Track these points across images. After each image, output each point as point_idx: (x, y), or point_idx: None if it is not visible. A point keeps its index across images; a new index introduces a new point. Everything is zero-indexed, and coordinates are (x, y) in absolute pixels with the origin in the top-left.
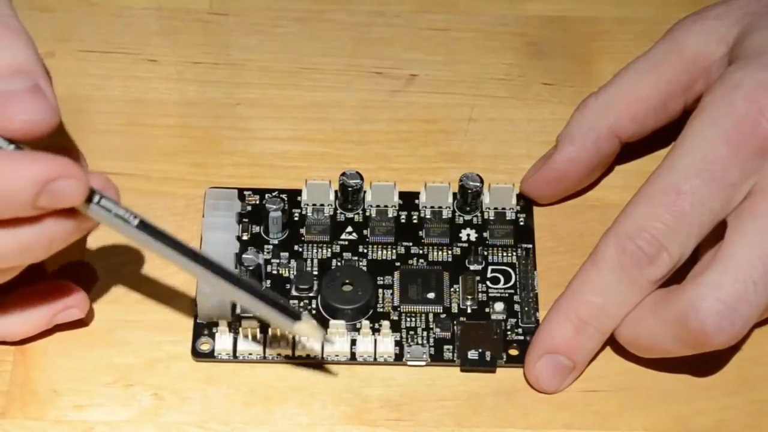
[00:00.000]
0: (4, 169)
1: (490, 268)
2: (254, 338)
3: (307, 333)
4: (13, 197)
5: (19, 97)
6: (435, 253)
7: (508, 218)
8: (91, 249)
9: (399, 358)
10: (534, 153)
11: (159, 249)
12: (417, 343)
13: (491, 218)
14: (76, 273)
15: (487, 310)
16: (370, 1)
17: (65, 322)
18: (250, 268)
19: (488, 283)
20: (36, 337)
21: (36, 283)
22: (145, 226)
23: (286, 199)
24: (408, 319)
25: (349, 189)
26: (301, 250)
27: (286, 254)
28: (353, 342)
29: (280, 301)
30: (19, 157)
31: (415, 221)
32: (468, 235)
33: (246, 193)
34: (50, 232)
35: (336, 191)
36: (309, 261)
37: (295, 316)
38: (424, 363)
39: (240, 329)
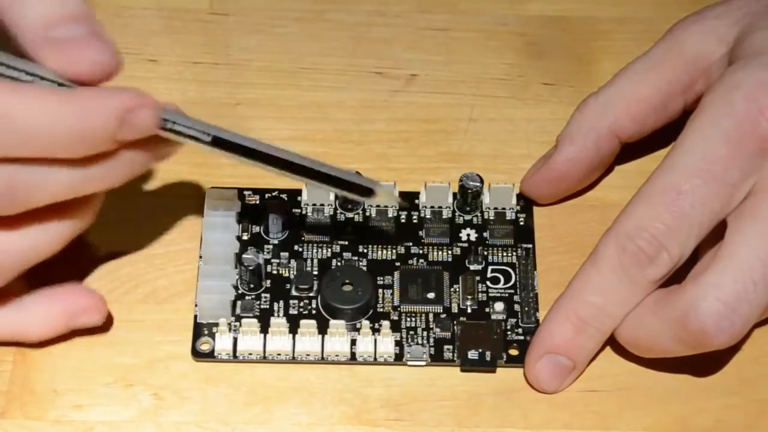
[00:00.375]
0: (83, 107)
1: (490, 268)
2: (254, 338)
3: (385, 202)
4: (96, 132)
5: (83, 43)
6: (435, 253)
7: (508, 218)
8: (91, 249)
9: (399, 358)
10: (534, 153)
11: (234, 159)
12: (417, 343)
13: (491, 218)
14: (75, 273)
15: (487, 310)
16: (370, 1)
17: (82, 328)
18: (250, 268)
19: (488, 283)
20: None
21: (52, 284)
22: (217, 142)
23: (286, 199)
24: (408, 319)
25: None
26: (301, 250)
27: (286, 254)
28: (353, 342)
29: (353, 181)
30: (92, 94)
31: (415, 221)
32: (468, 235)
33: (246, 193)
34: (131, 160)
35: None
36: (309, 261)
37: (369, 192)
38: (424, 363)
39: (240, 329)
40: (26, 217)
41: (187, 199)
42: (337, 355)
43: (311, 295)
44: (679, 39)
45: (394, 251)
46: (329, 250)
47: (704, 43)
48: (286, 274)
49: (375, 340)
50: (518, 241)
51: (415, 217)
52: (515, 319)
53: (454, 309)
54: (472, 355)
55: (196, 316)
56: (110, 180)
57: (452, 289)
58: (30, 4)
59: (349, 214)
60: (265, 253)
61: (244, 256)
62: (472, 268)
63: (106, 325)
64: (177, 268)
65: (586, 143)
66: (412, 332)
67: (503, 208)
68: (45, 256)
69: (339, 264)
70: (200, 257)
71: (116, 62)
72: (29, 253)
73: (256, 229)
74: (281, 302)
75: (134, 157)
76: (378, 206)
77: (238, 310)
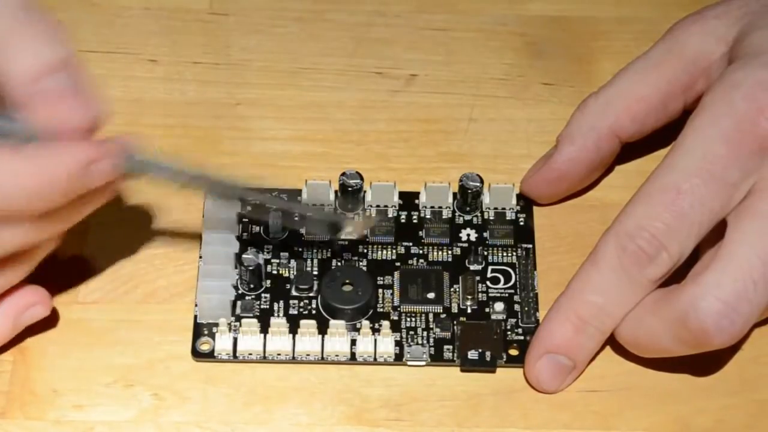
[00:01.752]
0: (40, 167)
1: (490, 268)
2: (254, 338)
3: (358, 231)
4: (55, 189)
5: (71, 95)
6: (435, 253)
7: (508, 218)
8: (91, 249)
9: (399, 358)
10: (534, 153)
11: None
12: (417, 343)
13: (491, 218)
14: (75, 273)
15: (487, 310)
16: (370, 1)
17: (33, 322)
18: (250, 268)
19: (488, 283)
20: (35, 337)
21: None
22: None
23: (286, 199)
24: (408, 319)
25: (349, 189)
26: (301, 250)
27: (286, 254)
28: (353, 342)
29: (323, 219)
30: (49, 152)
31: (415, 221)
32: (468, 235)
33: None
34: (93, 201)
35: (336, 191)
36: (309, 261)
37: (337, 229)
38: (424, 363)
39: (240, 329)
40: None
41: (187, 199)
42: (337, 355)
43: (311, 295)
44: (679, 39)
45: (394, 251)
46: (329, 250)
47: (704, 43)
48: (286, 274)
49: (375, 340)
50: (518, 241)
51: (415, 217)
52: (515, 319)
53: (454, 309)
54: (472, 355)
55: (196, 316)
56: (73, 220)
57: (452, 289)
58: (14, 56)
59: (350, 214)
60: (265, 253)
61: (244, 256)
62: (472, 268)
63: (107, 325)
64: (177, 268)
65: (586, 143)
66: (412, 332)
67: (503, 208)
68: (9, 286)
69: (339, 264)
70: (200, 257)
71: (102, 113)
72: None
73: (256, 229)
74: (281, 302)
75: (97, 198)
76: (375, 211)
77: (238, 310)
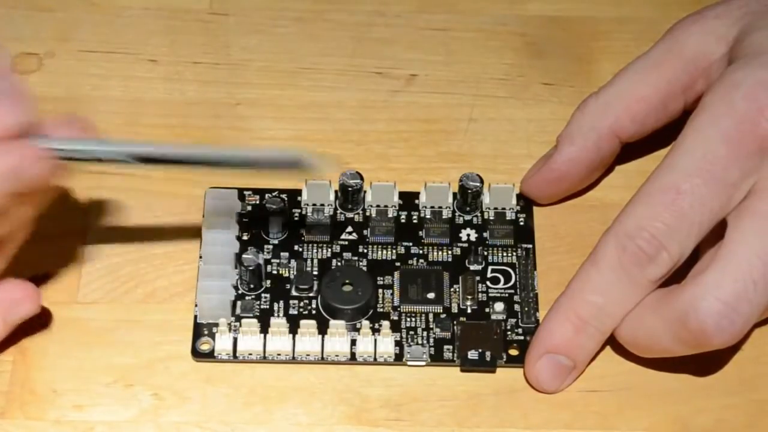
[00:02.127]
0: None
1: (490, 268)
2: (254, 338)
3: (317, 170)
4: None
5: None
6: (435, 253)
7: (508, 218)
8: (91, 249)
9: (399, 358)
10: (534, 153)
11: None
12: (417, 343)
13: (491, 218)
14: (75, 273)
15: (487, 310)
16: (370, 1)
17: (23, 319)
18: (250, 268)
19: (488, 283)
20: (35, 337)
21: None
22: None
23: (286, 199)
24: (408, 319)
25: (349, 189)
26: (301, 250)
27: (286, 254)
28: (353, 342)
29: (277, 158)
30: None
31: (415, 221)
32: (468, 235)
33: (246, 193)
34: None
35: (336, 191)
36: (309, 261)
37: (296, 164)
38: (424, 363)
39: (240, 329)
40: None
41: (187, 199)
42: (337, 355)
43: (311, 295)
44: (679, 39)
45: (394, 251)
46: (329, 250)
47: (704, 43)
48: (286, 274)
49: (375, 340)
50: (518, 241)
51: (415, 217)
52: (515, 319)
53: (454, 309)
54: (472, 355)
55: (196, 316)
56: (28, 212)
57: (452, 289)
58: None
59: (349, 214)
60: (265, 253)
61: (244, 256)
62: (472, 268)
63: (107, 325)
64: (177, 268)
65: (586, 143)
66: (412, 332)
67: (503, 208)
68: None
69: (339, 264)
70: (200, 257)
71: (29, 119)
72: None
73: (256, 229)
74: (281, 302)
75: (40, 192)
76: (375, 211)
77: (238, 310)
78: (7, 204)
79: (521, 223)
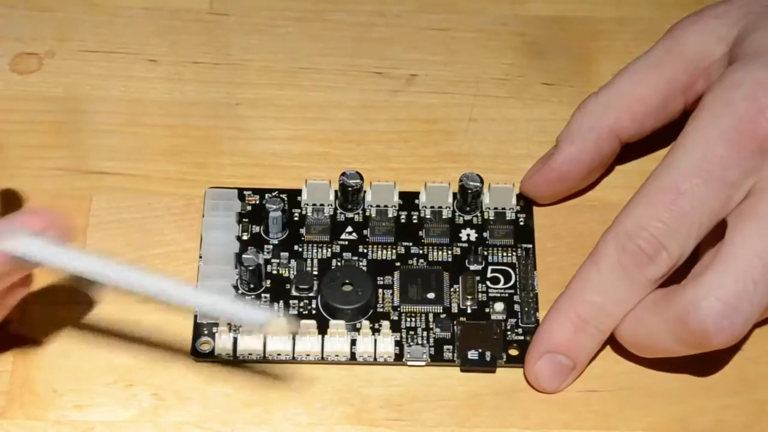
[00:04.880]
0: None
1: (490, 268)
2: (254, 338)
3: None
4: None
5: None
6: (435, 253)
7: (508, 218)
8: (90, 249)
9: (399, 358)
10: (534, 153)
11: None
12: (417, 343)
13: (491, 218)
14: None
15: (487, 310)
16: (370, 1)
17: (16, 302)
18: (250, 268)
19: (488, 283)
20: (35, 337)
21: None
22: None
23: (286, 199)
24: (408, 319)
25: (349, 189)
26: (301, 250)
27: (286, 254)
28: (353, 342)
29: (240, 315)
30: None
31: (415, 221)
32: (468, 235)
33: (246, 193)
34: None
35: (336, 191)
36: (309, 261)
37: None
38: (424, 363)
39: (240, 329)
40: None
41: (187, 199)
42: (337, 355)
43: (311, 295)
44: (679, 39)
45: (394, 251)
46: (329, 250)
47: (704, 43)
48: (286, 274)
49: (375, 340)
50: (518, 241)
51: (415, 217)
52: (515, 319)
53: (454, 309)
54: (472, 355)
55: (196, 316)
56: None
57: (452, 289)
58: None
59: (349, 214)
60: (265, 253)
61: (244, 256)
62: (472, 268)
63: (107, 325)
64: (177, 268)
65: (586, 143)
66: (412, 332)
67: (503, 208)
68: None
69: (339, 264)
70: (200, 257)
71: None
72: None
73: (256, 229)
74: (281, 302)
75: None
76: (375, 211)
77: None
78: None
79: (521, 223)
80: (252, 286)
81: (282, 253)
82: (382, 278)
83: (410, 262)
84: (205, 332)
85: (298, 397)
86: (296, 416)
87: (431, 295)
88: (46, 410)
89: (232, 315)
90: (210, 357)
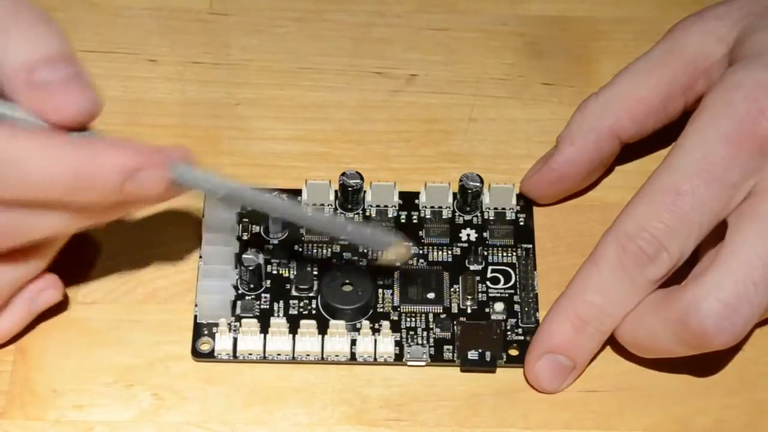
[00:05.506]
0: (90, 159)
1: (490, 268)
2: (254, 338)
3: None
4: (99, 188)
5: (64, 88)
6: (435, 253)
7: (508, 218)
8: (91, 249)
9: (399, 358)
10: (534, 153)
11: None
12: (417, 343)
13: (491, 218)
14: (75, 273)
15: (487, 310)
16: (370, 1)
17: (47, 307)
18: (250, 268)
19: (488, 283)
20: (35, 337)
21: None
22: (230, 197)
23: (286, 199)
24: (408, 319)
25: (349, 189)
26: (301, 250)
27: (286, 254)
28: (353, 342)
29: (368, 239)
30: (102, 146)
31: (415, 221)
32: (468, 235)
33: None
34: (129, 207)
35: (336, 191)
36: (309, 261)
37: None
38: (424, 363)
39: (240, 329)
40: (15, 252)
41: (187, 199)
42: (337, 355)
43: (311, 295)
44: (680, 39)
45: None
46: (329, 250)
47: (704, 44)
48: (286, 274)
49: (375, 340)
50: (518, 241)
51: (415, 217)
52: (515, 319)
53: (454, 309)
54: (472, 355)
55: (196, 316)
56: (106, 220)
57: (452, 289)
58: (12, 45)
59: (349, 214)
60: (265, 253)
61: (244, 256)
62: (472, 268)
63: (107, 325)
64: (177, 268)
65: (586, 144)
66: (412, 332)
67: (503, 208)
68: (27, 280)
69: (339, 264)
70: (200, 257)
71: (98, 106)
72: (14, 283)
73: (256, 229)
74: (281, 302)
75: (139, 203)
76: (375, 211)
77: (238, 310)
78: (105, 206)
79: (521, 223)
80: (252, 286)
81: (282, 253)
82: (382, 278)
83: (410, 262)
84: (205, 332)
85: (298, 397)
86: (296, 416)
87: (431, 295)
88: (46, 410)
89: (362, 238)
90: (210, 357)
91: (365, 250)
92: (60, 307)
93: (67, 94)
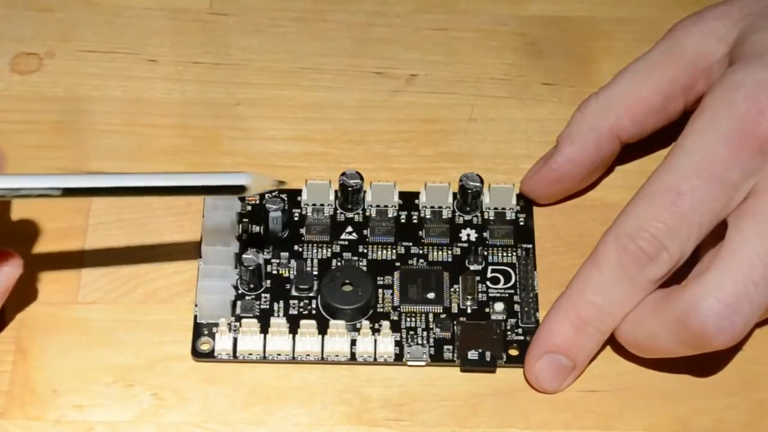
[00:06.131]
0: None
1: (490, 268)
2: (254, 338)
3: (262, 189)
4: None
5: None
6: (435, 253)
7: (508, 218)
8: (91, 249)
9: (399, 358)
10: (534, 153)
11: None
12: (417, 343)
13: (491, 218)
14: (75, 273)
15: (487, 310)
16: (370, 1)
17: (11, 285)
18: (250, 268)
19: (488, 283)
20: (35, 337)
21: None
22: (69, 192)
23: (286, 199)
24: (408, 319)
25: (349, 189)
26: (301, 250)
27: (286, 254)
28: (353, 342)
29: (219, 183)
30: None
31: (415, 221)
32: (468, 235)
33: None
34: None
35: (336, 191)
36: (309, 261)
37: (241, 188)
38: (424, 363)
39: (240, 329)
40: None
41: (187, 199)
42: (337, 355)
43: (311, 295)
44: (680, 39)
45: (394, 251)
46: (329, 250)
47: (705, 44)
48: (286, 274)
49: (375, 340)
50: (518, 241)
51: (415, 217)
52: (515, 319)
53: (454, 309)
54: (472, 355)
55: (196, 316)
56: None
57: (452, 289)
58: None
59: (349, 214)
60: (265, 253)
61: (244, 256)
62: (472, 268)
63: (107, 325)
64: (177, 268)
65: (586, 144)
66: (412, 332)
67: (503, 208)
68: None
69: (339, 264)
70: (200, 257)
71: None
72: None
73: (256, 229)
74: (281, 302)
75: None
76: (375, 211)
77: (238, 310)
78: None
79: (521, 223)
80: (252, 286)
81: (282, 253)
82: (382, 278)
83: (410, 262)
84: (205, 332)
85: (298, 397)
86: (296, 416)
87: (431, 295)
88: (46, 410)
89: (206, 186)
90: (210, 357)
91: (365, 250)
92: (60, 307)
93: None
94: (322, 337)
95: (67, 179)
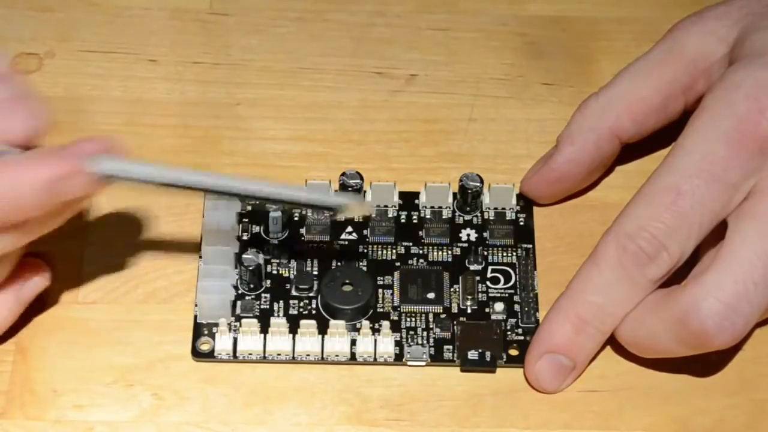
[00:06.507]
0: (12, 182)
1: (490, 268)
2: (254, 338)
3: (356, 213)
4: (29, 205)
5: (11, 107)
6: (435, 253)
7: (508, 218)
8: (91, 249)
9: (399, 358)
10: (534, 153)
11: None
12: (417, 343)
13: (491, 218)
14: (75, 273)
15: (487, 310)
16: (370, 1)
17: (35, 294)
18: (250, 268)
19: (488, 283)
20: (35, 337)
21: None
22: (167, 182)
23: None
24: (408, 319)
25: (349, 189)
26: (301, 250)
27: (286, 254)
28: (353, 342)
29: (320, 203)
30: (22, 165)
31: (415, 221)
32: (468, 235)
33: None
34: (71, 209)
35: (336, 191)
36: (309, 261)
37: (338, 208)
38: (424, 363)
39: (240, 329)
40: None
41: (187, 199)
42: (337, 355)
43: (311, 295)
44: (680, 39)
45: (394, 251)
46: (329, 250)
47: (705, 44)
48: (286, 274)
49: (375, 340)
50: (518, 241)
51: (415, 217)
52: (515, 319)
53: (454, 309)
54: (472, 355)
55: (196, 316)
56: (51, 227)
57: (452, 289)
58: None
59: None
60: (265, 253)
61: (244, 256)
62: (472, 268)
63: (107, 325)
64: (177, 268)
65: (586, 144)
66: (412, 332)
67: (503, 208)
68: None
69: (339, 264)
70: (200, 257)
71: (46, 122)
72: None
73: (256, 229)
74: (281, 302)
75: (72, 207)
76: (375, 211)
77: (238, 310)
78: (41, 216)
79: (521, 223)
80: (252, 286)
81: (282, 253)
82: (382, 278)
83: (410, 262)
84: (205, 332)
85: (298, 397)
86: (296, 416)
87: (431, 295)
88: (46, 410)
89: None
90: (210, 357)
91: (365, 250)
92: (60, 307)
93: (13, 114)
94: (322, 337)
95: (206, 177)
